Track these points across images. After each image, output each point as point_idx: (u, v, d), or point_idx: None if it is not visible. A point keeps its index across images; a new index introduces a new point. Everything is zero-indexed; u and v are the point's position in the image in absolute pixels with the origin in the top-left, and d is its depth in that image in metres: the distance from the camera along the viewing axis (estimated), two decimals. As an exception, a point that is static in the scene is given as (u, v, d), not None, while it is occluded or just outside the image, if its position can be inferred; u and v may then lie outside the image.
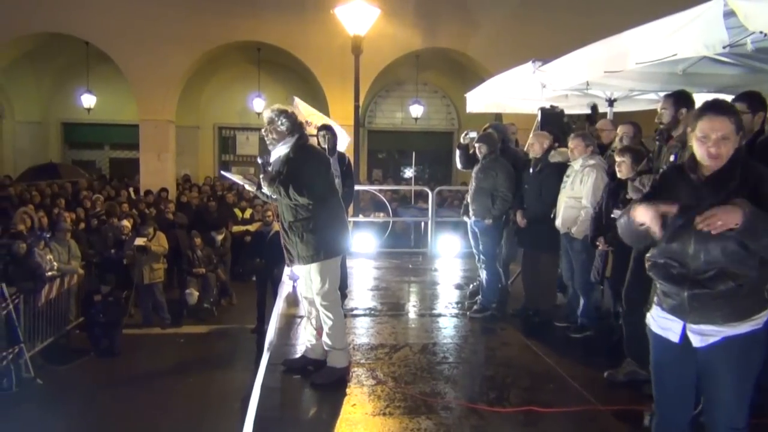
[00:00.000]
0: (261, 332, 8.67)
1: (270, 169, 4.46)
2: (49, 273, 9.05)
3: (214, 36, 16.11)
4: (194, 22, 15.79)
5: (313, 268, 4.49)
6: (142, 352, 9.73)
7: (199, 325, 10.99)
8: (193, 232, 12.18)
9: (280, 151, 4.46)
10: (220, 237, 12.95)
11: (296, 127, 4.48)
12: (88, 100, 19.21)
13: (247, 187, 4.65)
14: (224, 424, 6.42)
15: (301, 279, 4.77)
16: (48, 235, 9.85)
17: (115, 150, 22.02)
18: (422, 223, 11.61)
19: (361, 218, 11.47)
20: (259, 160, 4.63)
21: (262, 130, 4.54)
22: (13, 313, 8.01)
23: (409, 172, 21.09)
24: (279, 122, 4.42)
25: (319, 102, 16.33)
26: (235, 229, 13.67)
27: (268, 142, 4.50)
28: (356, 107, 11.31)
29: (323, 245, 4.42)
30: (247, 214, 14.40)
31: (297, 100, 8.52)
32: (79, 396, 8.05)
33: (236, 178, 4.74)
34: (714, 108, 2.71)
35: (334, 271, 4.56)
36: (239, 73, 20.65)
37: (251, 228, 13.30)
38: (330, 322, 4.53)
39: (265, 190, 4.40)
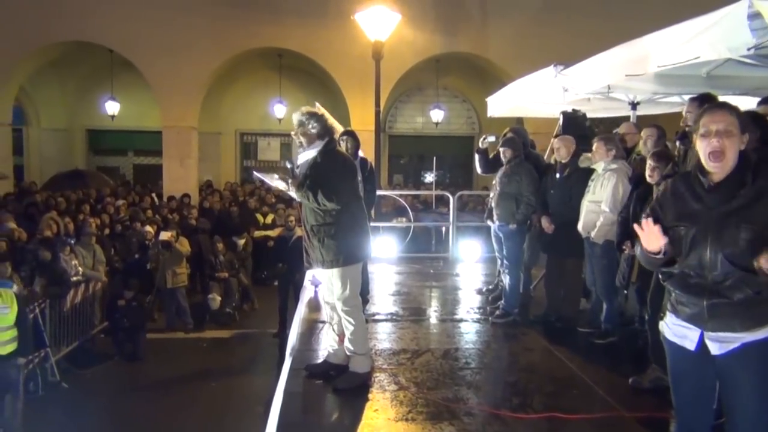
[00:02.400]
0: (283, 337, 8.71)
1: (298, 172, 4.46)
2: (75, 278, 9.16)
3: (235, 43, 16.25)
4: (216, 29, 15.94)
5: (334, 273, 4.49)
6: (166, 356, 9.82)
7: (222, 330, 11.07)
8: (216, 237, 12.29)
9: (308, 154, 4.45)
10: (242, 242, 13.04)
11: (326, 131, 4.48)
12: (112, 107, 19.46)
13: (279, 186, 4.67)
14: (247, 428, 6.45)
15: (324, 284, 4.78)
16: (73, 241, 9.98)
17: (138, 156, 22.28)
18: (443, 228, 11.58)
19: (382, 223, 11.47)
20: (288, 164, 4.63)
21: (292, 133, 4.55)
22: (39, 318, 8.13)
23: (429, 177, 21.08)
24: (309, 125, 4.42)
25: (339, 107, 16.41)
26: (257, 234, 13.74)
27: (297, 145, 4.50)
28: (377, 112, 11.31)
29: (344, 251, 4.43)
30: (269, 219, 14.48)
31: (318, 107, 8.55)
32: (103, 400, 8.15)
33: (268, 178, 4.77)
34: (714, 104, 2.71)
35: (355, 277, 4.55)
36: (261, 79, 20.80)
37: (273, 233, 13.36)
38: (352, 327, 4.53)
39: (293, 193, 4.40)
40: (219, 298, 11.36)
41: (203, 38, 15.95)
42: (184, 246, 11.19)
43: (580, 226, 5.78)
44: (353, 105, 16.24)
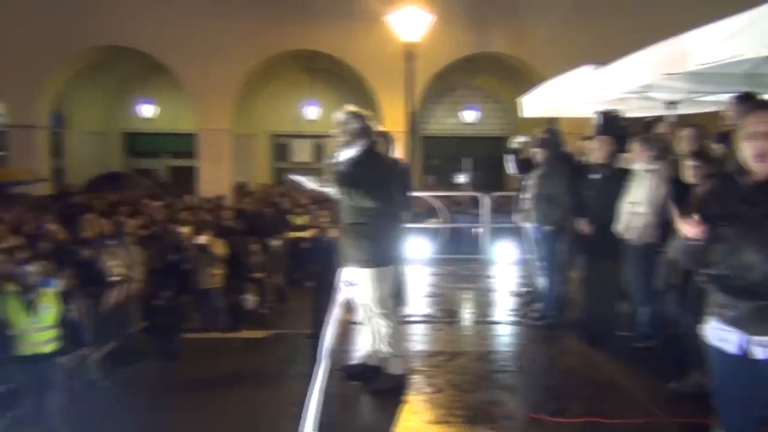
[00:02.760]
0: (317, 338, 8.74)
1: (337, 169, 4.48)
2: (113, 278, 9.30)
3: (268, 45, 16.41)
4: (249, 32, 16.12)
5: (368, 274, 4.49)
6: (202, 355, 9.90)
7: (256, 330, 11.12)
8: (250, 238, 12.38)
9: (348, 153, 4.47)
10: (275, 243, 13.11)
11: (367, 131, 4.50)
12: (148, 110, 19.79)
13: (315, 187, 4.70)
14: (282, 428, 6.48)
15: (358, 285, 4.79)
16: (112, 242, 10.14)
17: (173, 158, 22.60)
18: (477, 229, 11.52)
19: (415, 224, 11.45)
20: (328, 161, 4.66)
21: (333, 131, 4.57)
22: (80, 317, 8.26)
23: (462, 178, 20.99)
24: (351, 125, 4.45)
25: (371, 108, 16.41)
26: (291, 235, 13.82)
27: (337, 144, 4.52)
28: (409, 113, 11.32)
29: (378, 252, 4.43)
30: (303, 220, 14.55)
31: (352, 108, 8.57)
32: (141, 398, 8.24)
33: (303, 180, 4.80)
34: (761, 105, 2.66)
35: (388, 279, 4.56)
36: (293, 81, 20.96)
37: (306, 234, 13.44)
38: (387, 329, 4.54)
39: (332, 191, 4.41)
40: (254, 299, 11.43)
41: (236, 41, 16.14)
42: (218, 247, 11.28)
43: (617, 228, 5.70)
44: (385, 106, 16.27)
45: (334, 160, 4.60)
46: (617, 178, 5.93)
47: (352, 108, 4.61)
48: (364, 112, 4.68)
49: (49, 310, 7.03)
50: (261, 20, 16.17)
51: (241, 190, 18.69)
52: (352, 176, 4.37)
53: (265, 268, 12.07)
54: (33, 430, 6.71)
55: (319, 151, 22.70)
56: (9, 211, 12.08)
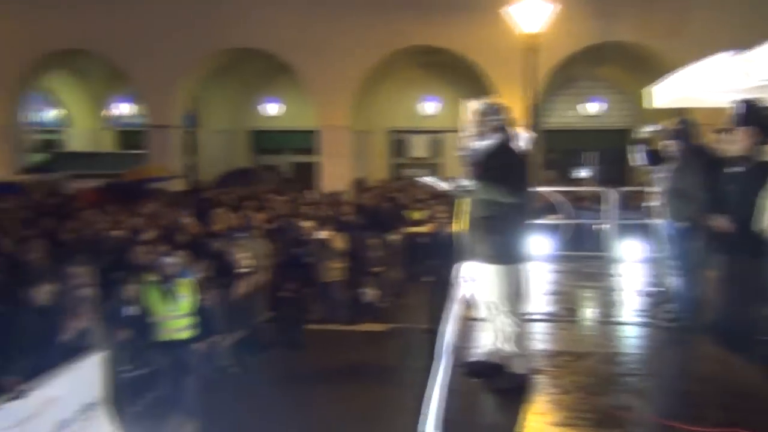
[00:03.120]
0: (435, 333, 8.75)
1: (470, 161, 4.42)
2: (242, 270, 9.77)
3: (386, 42, 16.60)
4: (368, 30, 16.38)
5: (494, 270, 4.41)
6: (323, 347, 10.23)
7: (375, 324, 11.34)
8: (369, 233, 12.60)
9: (483, 145, 4.41)
10: (393, 238, 13.26)
11: (505, 124, 4.44)
12: (273, 109, 20.63)
13: (441, 185, 4.68)
14: (402, 422, 6.55)
15: (480, 281, 4.71)
16: (241, 235, 10.65)
17: (296, 155, 23.39)
18: (601, 226, 11.07)
19: (536, 220, 11.18)
20: (461, 153, 4.62)
21: (469, 120, 4.52)
22: (211, 306, 8.75)
23: (583, 172, 20.31)
24: (490, 117, 4.39)
25: (489, 103, 16.22)
26: (408, 230, 13.92)
27: (471, 134, 4.47)
28: (530, 107, 11.06)
29: (508, 249, 4.35)
30: (420, 215, 14.60)
31: (467, 103, 8.49)
32: (268, 385, 8.65)
33: (434, 181, 4.81)
34: None
35: (516, 276, 4.47)
36: (410, 76, 21.08)
37: (424, 229, 13.48)
38: (512, 328, 4.45)
39: (469, 183, 4.36)
40: (373, 292, 11.65)
41: (356, 39, 16.46)
42: (339, 242, 11.58)
43: (759, 225, 5.29)
44: (504, 100, 15.96)
45: (469, 152, 4.52)
46: (760, 172, 5.50)
47: (491, 100, 4.55)
48: (502, 103, 4.60)
49: (185, 299, 7.51)
50: (380, 18, 16.39)
51: (360, 185, 19.04)
52: (491, 170, 4.29)
53: (384, 263, 12.26)
54: (170, 411, 7.20)
55: (436, 147, 22.70)
56: (148, 206, 12.96)
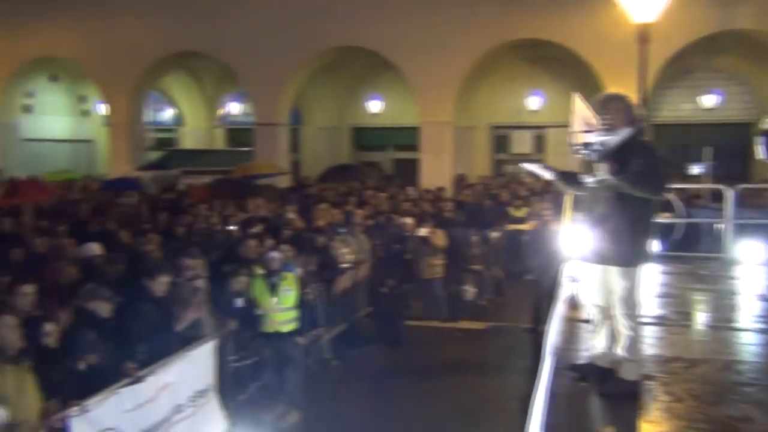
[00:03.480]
0: (536, 333, 8.55)
1: (596, 156, 4.21)
2: (344, 265, 9.93)
3: (490, 36, 16.39)
4: (472, 24, 16.23)
5: (619, 272, 4.19)
6: (422, 343, 10.24)
7: (475, 321, 11.22)
8: (469, 230, 12.48)
9: (613, 139, 4.19)
10: (495, 235, 13.09)
11: (636, 117, 4.25)
12: (375, 106, 20.87)
13: (545, 174, 4.54)
14: (504, 422, 6.46)
15: (595, 282, 4.49)
16: (343, 230, 10.83)
17: (398, 151, 23.55)
18: (717, 225, 10.44)
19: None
20: (575, 148, 4.46)
21: (585, 113, 4.38)
22: (314, 300, 8.95)
23: (697, 169, 19.24)
24: (623, 108, 4.22)
25: (596, 97, 15.67)
26: (510, 227, 13.70)
27: (599, 126, 4.28)
28: (643, 100, 10.56)
29: (638, 249, 4.12)
30: (522, 212, 14.35)
31: (577, 99, 8.21)
32: (368, 379, 8.75)
33: (535, 168, 4.68)
34: None
35: (639, 278, 4.25)
36: (513, 70, 20.72)
37: (526, 227, 13.24)
38: (627, 332, 4.24)
39: (606, 176, 4.11)
40: (473, 290, 11.53)
41: (459, 34, 16.34)
42: (439, 238, 11.54)
43: None
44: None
45: (596, 146, 4.30)
46: None
47: (618, 92, 4.37)
48: (626, 95, 4.41)
49: (290, 292, 7.72)
50: (483, 12, 16.20)
51: (460, 181, 18.92)
52: (633, 164, 4.02)
53: (484, 260, 12.11)
54: (273, 400, 7.42)
55: (540, 142, 22.19)
56: (255, 201, 13.42)
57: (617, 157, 4.09)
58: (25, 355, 4.85)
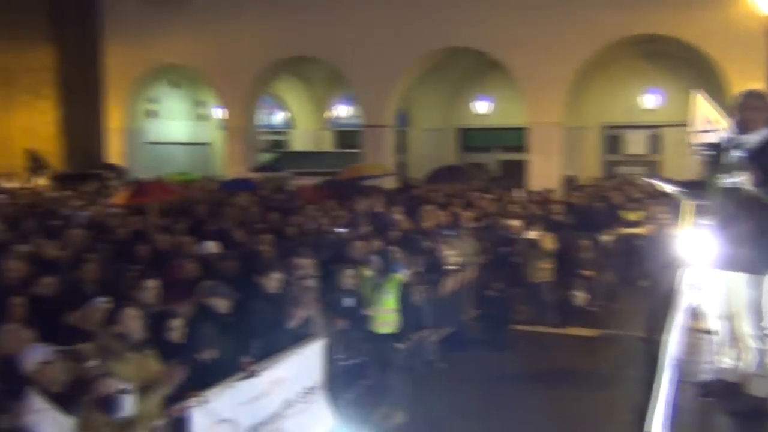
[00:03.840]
0: (653, 342, 8.16)
1: (737, 158, 3.94)
2: (450, 267, 9.88)
3: (603, 33, 15.85)
4: (582, 21, 15.77)
5: (747, 279, 3.88)
6: (530, 349, 10.01)
7: (585, 328, 10.87)
8: (579, 233, 12.11)
9: (753, 138, 3.96)
10: (606, 239, 12.63)
11: None
12: (482, 107, 20.69)
13: (667, 189, 4.32)
14: (618, 434, 6.21)
15: (720, 290, 4.20)
16: (449, 232, 10.79)
17: (505, 152, 23.25)
18: None
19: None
20: (696, 149, 4.23)
21: (731, 110, 4.12)
22: (420, 301, 8.96)
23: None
24: (766, 106, 3.97)
25: (716, 94, 14.77)
26: (623, 231, 13.17)
27: (745, 122, 4.05)
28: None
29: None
30: (636, 215, 13.75)
31: (699, 97, 7.77)
32: (473, 383, 8.65)
33: (656, 181, 4.47)
34: None
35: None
36: (628, 68, 19.95)
37: (640, 231, 12.67)
38: (755, 344, 3.97)
39: (746, 185, 3.85)
40: (583, 296, 11.18)
41: (570, 31, 15.91)
42: (548, 242, 11.26)
43: None
44: (738, 90, 14.48)
45: (737, 146, 4.02)
46: None
47: (755, 87, 4.12)
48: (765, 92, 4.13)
49: (396, 293, 7.78)
50: (595, 7, 15.68)
51: (570, 183, 18.40)
52: None
53: (596, 265, 11.71)
54: (378, 400, 7.49)
55: (655, 142, 21.22)
56: (363, 202, 13.63)
57: (760, 161, 3.80)
58: (148, 344, 5.15)
